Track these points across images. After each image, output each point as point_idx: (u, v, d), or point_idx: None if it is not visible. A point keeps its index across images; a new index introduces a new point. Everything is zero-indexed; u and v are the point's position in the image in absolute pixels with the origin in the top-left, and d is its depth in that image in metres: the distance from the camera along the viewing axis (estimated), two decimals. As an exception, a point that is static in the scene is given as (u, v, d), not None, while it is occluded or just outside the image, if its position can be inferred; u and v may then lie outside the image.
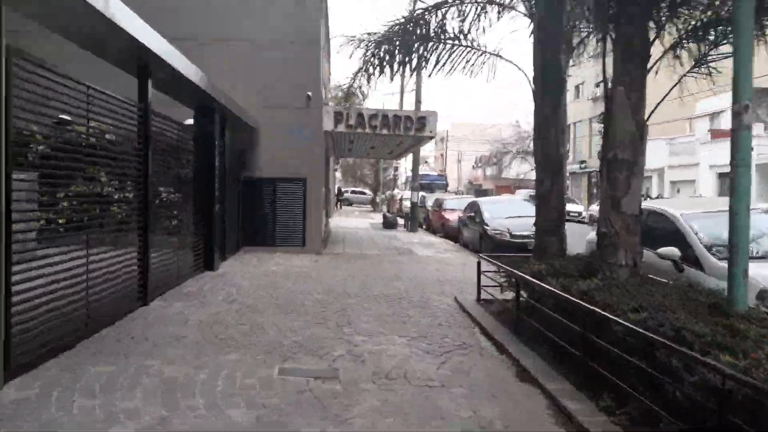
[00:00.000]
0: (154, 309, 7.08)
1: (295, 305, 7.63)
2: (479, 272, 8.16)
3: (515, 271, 6.42)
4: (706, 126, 32.19)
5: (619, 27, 5.27)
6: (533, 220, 15.99)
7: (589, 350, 4.63)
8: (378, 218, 28.78)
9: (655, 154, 35.81)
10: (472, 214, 16.14)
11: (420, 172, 44.11)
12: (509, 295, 7.25)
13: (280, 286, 8.96)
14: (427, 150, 59.61)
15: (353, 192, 52.82)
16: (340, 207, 43.72)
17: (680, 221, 6.70)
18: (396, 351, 5.66)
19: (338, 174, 48.11)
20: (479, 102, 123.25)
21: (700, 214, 6.96)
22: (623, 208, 5.34)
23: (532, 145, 38.65)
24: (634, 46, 5.31)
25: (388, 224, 23.57)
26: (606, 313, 4.38)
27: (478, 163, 76.59)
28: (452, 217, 19.77)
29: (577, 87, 45.62)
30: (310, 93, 13.97)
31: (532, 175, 32.51)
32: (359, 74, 8.87)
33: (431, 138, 14.74)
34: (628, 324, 4.05)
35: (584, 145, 46.55)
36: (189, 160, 9.74)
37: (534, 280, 5.78)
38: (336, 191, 42.98)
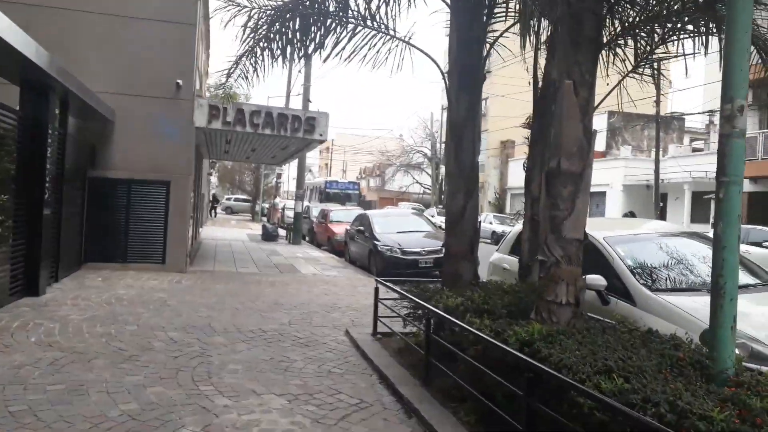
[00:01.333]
0: None
1: (139, 348, 5.77)
2: (376, 300, 6.82)
3: (427, 305, 5.14)
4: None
5: (569, 4, 4.22)
6: (424, 235, 15.50)
7: (540, 425, 3.44)
8: (257, 229, 26.71)
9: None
10: (361, 227, 14.89)
11: (327, 179, 40.53)
12: (410, 326, 5.99)
13: (125, 320, 7.00)
14: (311, 158, 57.96)
15: (236, 200, 49.69)
16: (215, 216, 40.72)
17: (604, 246, 5.82)
18: (272, 423, 4.11)
19: (213, 179, 45.00)
20: (363, 113, 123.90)
21: (628, 237, 6.16)
22: (565, 231, 4.26)
23: (415, 158, 39.32)
24: (585, 30, 4.28)
25: (269, 236, 21.69)
26: (569, 380, 3.20)
27: (362, 175, 76.35)
28: (339, 230, 18.40)
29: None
30: (180, 81, 11.95)
31: (414, 189, 33.30)
32: (244, 60, 7.21)
33: (321, 141, 13.31)
34: (608, 400, 2.88)
35: (466, 161, 47.53)
36: (8, 149, 7.48)
37: (456, 321, 4.53)
38: (210, 198, 39.99)
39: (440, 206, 40.29)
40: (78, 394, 4.37)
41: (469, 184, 6.01)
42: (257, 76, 7.68)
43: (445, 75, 6.36)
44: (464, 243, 6.00)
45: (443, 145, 46.76)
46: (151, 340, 6.10)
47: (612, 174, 30.54)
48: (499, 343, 3.89)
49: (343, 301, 9.26)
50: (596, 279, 5.27)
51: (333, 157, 73.30)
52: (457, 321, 4.52)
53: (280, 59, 7.69)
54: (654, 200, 25.21)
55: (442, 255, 13.62)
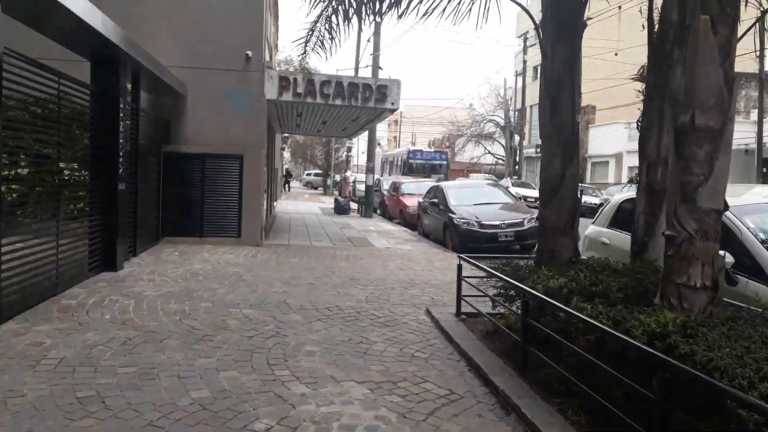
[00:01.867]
0: (-1, 338, 4.84)
1: (213, 327, 5.52)
2: (459, 278, 6.26)
3: (522, 286, 4.53)
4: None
5: None
6: (502, 207, 14.68)
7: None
8: (329, 202, 26.67)
9: (614, 139, 35.05)
10: (435, 200, 14.29)
11: (411, 148, 37.62)
12: (498, 307, 5.41)
13: (199, 296, 6.81)
14: (380, 131, 57.50)
15: (315, 175, 50.05)
16: (288, 189, 41.25)
17: (729, 217, 4.95)
18: (354, 417, 3.68)
19: (286, 154, 45.55)
20: (432, 83, 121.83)
21: (758, 206, 5.27)
22: (700, 200, 3.51)
23: (486, 128, 37.88)
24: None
25: (340, 209, 21.50)
26: (726, 386, 2.53)
27: (431, 146, 75.20)
28: (411, 202, 17.89)
29: (535, 68, 44.44)
30: (249, 53, 11.67)
31: (486, 160, 31.72)
32: (319, 26, 6.73)
33: (393, 111, 12.72)
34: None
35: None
36: (81, 123, 7.41)
37: (561, 306, 3.90)
38: (284, 172, 40.52)
39: (515, 177, 38.87)
40: (149, 378, 4.11)
41: (567, 148, 5.27)
42: (333, 42, 7.19)
43: (538, 25, 5.60)
44: (563, 215, 5.30)
45: (516, 113, 45.01)
46: (225, 318, 5.84)
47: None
48: (621, 335, 3.24)
49: (420, 277, 8.77)
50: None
51: (402, 129, 72.53)
52: (562, 306, 3.89)
53: (355, 20, 7.18)
54: (756, 166, 22.96)
55: (524, 228, 13.09)
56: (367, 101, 12.23)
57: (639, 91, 4.74)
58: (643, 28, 4.78)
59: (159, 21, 11.31)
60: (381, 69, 18.30)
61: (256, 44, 11.86)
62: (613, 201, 7.13)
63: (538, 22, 5.60)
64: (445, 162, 33.11)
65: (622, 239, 6.50)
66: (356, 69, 23.53)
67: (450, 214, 13.05)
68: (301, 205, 26.48)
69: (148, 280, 7.55)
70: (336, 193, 36.73)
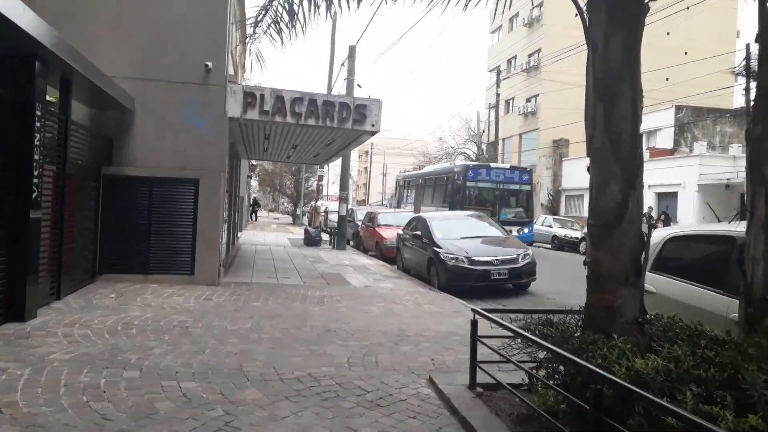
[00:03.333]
0: None
1: (134, 416, 3.87)
2: (474, 339, 4.75)
3: (594, 368, 3.06)
4: (644, 143, 30.99)
5: None
6: (492, 241, 13.25)
7: None
8: (299, 233, 24.99)
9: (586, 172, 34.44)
10: (418, 232, 12.85)
11: (469, 163, 25.87)
12: (513, 374, 3.93)
13: (125, 360, 5.13)
14: (351, 161, 56.31)
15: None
16: (255, 219, 39.35)
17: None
18: None
19: (254, 183, 43.78)
20: (404, 115, 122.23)
21: None
22: None
23: (458, 160, 36.27)
24: None
25: (311, 241, 19.88)
26: None
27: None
28: (389, 234, 16.44)
29: (507, 102, 44.15)
30: (209, 64, 10.18)
31: None
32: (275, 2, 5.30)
33: (373, 133, 11.32)
34: None
35: (513, 161, 45.02)
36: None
37: (690, 416, 2.43)
38: (251, 201, 38.70)
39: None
40: None
41: (627, 167, 3.90)
42: (294, 25, 5.78)
43: (583, 10, 4.28)
44: (624, 259, 3.89)
45: (485, 146, 44.37)
46: (154, 398, 4.19)
47: (684, 173, 27.66)
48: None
49: (410, 326, 7.23)
50: None
51: (372, 160, 71.60)
52: (686, 414, 2.42)
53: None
54: (744, 199, 22.22)
55: (519, 266, 11.67)
56: (344, 122, 10.80)
57: (745, 90, 3.42)
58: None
59: (104, 25, 9.76)
60: (359, 87, 16.88)
61: (217, 55, 10.38)
62: (655, 238, 5.79)
63: (583, 5, 4.27)
64: (528, 187, 21.38)
65: (673, 287, 5.15)
66: (329, 89, 22.19)
67: (436, 249, 11.61)
68: (268, 235, 24.72)
69: (63, 335, 5.81)
70: (306, 223, 35.08)
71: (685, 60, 33.42)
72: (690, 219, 27.01)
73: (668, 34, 32.65)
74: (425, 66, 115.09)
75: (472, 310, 4.81)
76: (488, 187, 20.97)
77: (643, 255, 3.92)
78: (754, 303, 3.14)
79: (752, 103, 3.21)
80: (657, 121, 31.06)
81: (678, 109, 31.45)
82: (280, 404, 4.25)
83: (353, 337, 6.48)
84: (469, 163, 26.14)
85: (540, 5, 40.32)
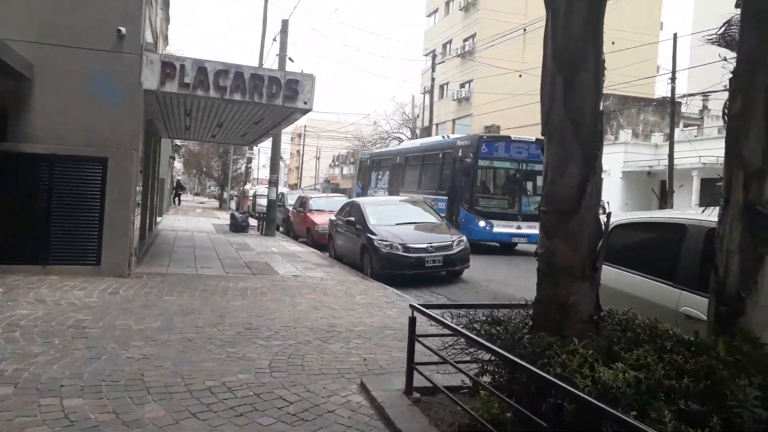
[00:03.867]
0: None
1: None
2: (412, 338, 4.25)
3: (555, 380, 2.61)
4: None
5: None
6: (428, 227, 12.80)
7: None
8: (225, 218, 23.82)
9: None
10: (351, 218, 12.26)
11: (485, 135, 19.57)
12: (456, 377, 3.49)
13: (1, 372, 4.29)
14: (282, 145, 54.71)
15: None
16: (178, 203, 37.48)
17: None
18: None
19: (178, 164, 41.70)
20: (336, 97, 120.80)
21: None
22: None
23: (392, 144, 35.11)
24: None
25: (238, 227, 18.89)
26: None
27: (336, 162, 73.34)
28: (321, 220, 15.76)
29: (441, 87, 44.14)
30: (122, 29, 9.10)
31: None
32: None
33: (306, 111, 10.57)
34: None
35: (447, 147, 45.26)
36: None
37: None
38: (175, 184, 36.84)
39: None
40: None
41: (588, 148, 3.48)
42: None
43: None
44: (581, 250, 3.47)
45: (419, 132, 44.24)
46: (25, 423, 3.43)
47: (610, 160, 28.46)
48: None
49: (341, 321, 6.68)
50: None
51: (306, 143, 70.20)
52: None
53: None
54: (667, 186, 23.09)
55: (454, 252, 11.29)
56: (273, 98, 10.01)
57: (725, 60, 3.05)
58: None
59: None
60: (292, 61, 15.94)
61: (132, 20, 9.29)
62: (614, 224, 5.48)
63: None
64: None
65: (621, 278, 4.85)
66: (260, 65, 21.03)
67: (370, 235, 11.08)
68: (191, 221, 23.42)
69: (-77, 341, 4.86)
70: (233, 208, 33.70)
71: (613, 49, 34.39)
72: (614, 206, 27.84)
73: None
74: (361, 49, 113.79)
75: (411, 306, 4.29)
76: (507, 167, 15.84)
77: (601, 245, 3.51)
78: (728, 300, 2.79)
79: (731, 77, 2.82)
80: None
81: (605, 97, 32.33)
82: (185, 423, 3.59)
83: (277, 336, 5.85)
84: (481, 134, 19.88)
85: (476, -10, 40.39)
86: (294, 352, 5.31)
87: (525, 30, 36.30)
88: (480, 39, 38.92)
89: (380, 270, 10.59)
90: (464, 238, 11.40)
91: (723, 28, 3.54)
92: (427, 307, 4.21)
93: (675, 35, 20.81)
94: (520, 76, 38.10)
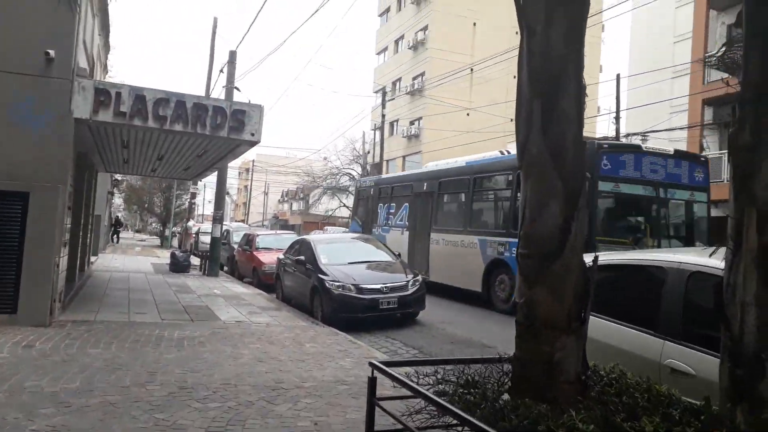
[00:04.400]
0: None
1: None
2: (372, 402, 3.67)
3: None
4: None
5: None
6: (381, 266, 12.15)
7: None
8: (165, 257, 22.60)
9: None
10: (301, 257, 11.61)
11: (606, 144, 11.24)
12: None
13: None
14: (229, 180, 53.43)
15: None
16: (117, 241, 35.65)
17: None
18: None
19: (118, 200, 39.91)
20: (286, 133, 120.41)
21: None
22: None
23: (342, 180, 32.85)
24: None
25: (178, 266, 17.84)
26: None
27: (285, 197, 72.28)
28: (268, 259, 15.01)
29: (391, 124, 44.39)
30: (51, 52, 8.38)
31: (342, 212, 26.50)
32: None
33: (253, 144, 10.00)
34: None
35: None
36: None
37: None
38: (113, 220, 35.10)
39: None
40: None
41: (571, 182, 3.09)
42: None
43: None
44: (566, 300, 3.04)
45: (369, 167, 44.15)
46: None
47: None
48: None
49: (289, 375, 6.01)
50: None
51: (254, 178, 69.02)
52: None
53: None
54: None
55: (408, 294, 10.76)
56: (218, 129, 9.42)
57: (727, 84, 2.71)
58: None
59: None
60: (238, 90, 15.31)
61: (63, 41, 8.59)
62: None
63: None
64: (704, 195, 11.35)
65: (598, 326, 4.45)
66: (208, 86, 20.17)
67: (321, 276, 10.45)
68: (129, 260, 22.10)
69: None
70: (175, 245, 32.26)
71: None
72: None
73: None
74: (310, 85, 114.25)
75: (371, 365, 3.72)
76: (639, 194, 10.76)
77: (588, 293, 3.09)
78: (746, 362, 2.39)
79: (737, 107, 2.49)
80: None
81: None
82: None
83: (216, 396, 5.14)
84: (597, 140, 11.81)
85: (425, 29, 41.13)
86: (234, 416, 4.62)
87: (472, 70, 37.18)
88: (429, 78, 39.51)
89: (332, 313, 9.95)
90: (420, 277, 10.93)
91: (722, 50, 3.25)
92: (389, 365, 3.66)
93: (618, 75, 21.55)
94: (468, 114, 38.87)
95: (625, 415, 2.61)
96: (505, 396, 3.21)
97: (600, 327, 4.39)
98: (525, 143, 3.19)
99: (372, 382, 3.68)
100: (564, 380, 3.02)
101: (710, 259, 3.92)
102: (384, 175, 19.87)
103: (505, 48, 33.02)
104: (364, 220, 18.42)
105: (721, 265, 3.78)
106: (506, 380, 3.39)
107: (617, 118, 21.39)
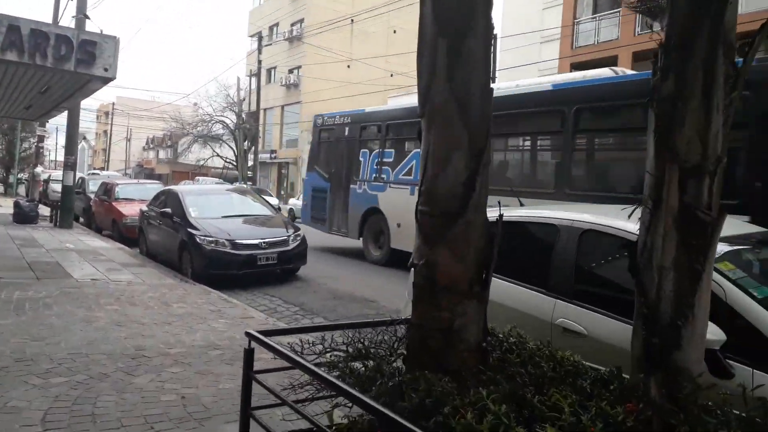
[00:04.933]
0: None
1: None
2: (249, 377, 3.22)
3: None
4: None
5: None
6: (259, 220, 11.34)
7: None
8: (8, 206, 19.92)
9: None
10: (167, 209, 10.58)
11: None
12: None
13: None
14: (85, 123, 48.31)
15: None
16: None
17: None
18: None
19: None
20: (151, 73, 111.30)
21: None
22: None
23: (215, 129, 29.91)
24: None
25: (24, 217, 15.75)
26: None
27: (150, 144, 67.10)
28: (130, 211, 13.67)
29: (269, 71, 42.42)
30: None
31: (215, 162, 24.12)
32: None
33: (107, 80, 8.71)
34: None
35: (275, 134, 43.74)
36: None
37: None
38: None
39: (249, 183, 35.85)
40: None
41: (478, 135, 2.77)
42: None
43: None
44: (468, 261, 2.78)
45: (244, 115, 42.04)
46: None
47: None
48: None
49: (153, 341, 5.36)
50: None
51: (114, 122, 63.19)
52: None
53: None
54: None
55: (290, 249, 10.23)
56: (63, 61, 8.11)
57: (652, 30, 2.45)
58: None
59: None
60: (88, 18, 13.33)
61: None
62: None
63: None
64: None
65: (496, 287, 4.33)
66: (56, 12, 17.50)
67: (191, 230, 9.59)
68: (-39, 209, 19.20)
69: None
70: (22, 194, 28.70)
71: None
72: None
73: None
74: (182, 18, 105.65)
75: (247, 334, 3.24)
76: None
77: (492, 254, 2.85)
78: (661, 330, 2.26)
79: (660, 54, 2.28)
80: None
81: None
82: None
83: (60, 369, 4.40)
84: None
85: (304, -28, 39.31)
86: (83, 393, 3.95)
87: (353, 21, 36.25)
88: (308, 25, 38.02)
89: (203, 270, 9.22)
90: (301, 232, 10.45)
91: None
92: (269, 333, 3.21)
93: (495, 36, 21.98)
94: (349, 66, 38.10)
95: (533, 389, 2.41)
96: (400, 364, 2.94)
97: (494, 286, 4.26)
98: (428, 88, 2.81)
99: (249, 355, 3.22)
100: (465, 348, 2.77)
101: (603, 217, 3.89)
102: (373, 108, 13.53)
103: (385, 1, 32.55)
104: (332, 172, 13.50)
105: (613, 222, 3.80)
106: (400, 347, 3.12)
107: (493, 78, 21.95)
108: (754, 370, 2.81)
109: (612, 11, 19.55)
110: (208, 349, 5.22)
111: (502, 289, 4.22)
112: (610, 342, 3.37)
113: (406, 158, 11.48)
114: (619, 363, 2.48)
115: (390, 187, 11.62)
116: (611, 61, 17.55)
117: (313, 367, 2.69)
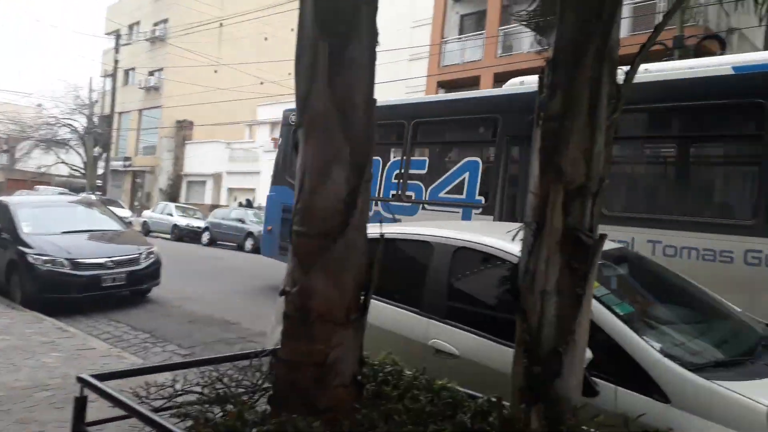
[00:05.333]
0: None
1: None
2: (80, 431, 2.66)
3: None
4: (268, 133, 31.45)
5: None
6: (106, 236, 10.09)
7: None
8: None
9: (213, 158, 33.36)
10: (-5, 223, 9.12)
11: None
12: None
13: None
14: None
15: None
16: None
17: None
18: None
19: None
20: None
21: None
22: None
23: (61, 133, 26.69)
24: None
25: None
26: None
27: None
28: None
29: (126, 72, 39.41)
30: None
31: (59, 170, 21.20)
32: None
33: None
34: None
35: (131, 140, 40.57)
36: None
37: None
38: None
39: (98, 192, 32.84)
40: None
41: (360, 148, 2.52)
42: None
43: None
44: (346, 287, 2.50)
45: (97, 120, 38.64)
46: None
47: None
48: None
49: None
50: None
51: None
52: None
53: None
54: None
55: (141, 267, 9.23)
56: None
57: (538, 42, 2.36)
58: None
59: None
60: None
61: None
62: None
63: None
64: None
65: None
66: None
67: (22, 248, 8.30)
68: None
69: None
70: None
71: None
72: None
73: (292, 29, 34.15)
74: (26, 12, 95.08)
75: (79, 379, 2.67)
76: None
77: (371, 278, 2.60)
78: (543, 358, 2.14)
79: (547, 71, 2.18)
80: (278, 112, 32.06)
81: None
82: None
83: None
84: None
85: (168, -29, 37.19)
86: None
87: (221, 24, 34.83)
88: (173, 26, 35.93)
89: (36, 294, 8.03)
90: (155, 249, 9.52)
91: (534, 6, 3.00)
92: (104, 377, 2.67)
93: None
94: (216, 71, 36.46)
95: (411, 428, 2.18)
96: (264, 404, 2.58)
97: (370, 307, 4.03)
98: (307, 95, 2.51)
99: (80, 404, 2.65)
100: (339, 383, 2.48)
101: (475, 235, 3.82)
102: (392, 100, 8.74)
103: (256, 6, 31.68)
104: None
105: (486, 240, 3.75)
106: (265, 382, 2.76)
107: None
108: (618, 387, 2.80)
109: (476, 33, 20.63)
110: (35, 390, 4.42)
111: (377, 310, 4.00)
112: (482, 362, 3.27)
113: (459, 167, 7.95)
114: (491, 382, 2.35)
115: (424, 209, 8.26)
116: (475, 81, 18.45)
117: (158, 419, 2.26)
